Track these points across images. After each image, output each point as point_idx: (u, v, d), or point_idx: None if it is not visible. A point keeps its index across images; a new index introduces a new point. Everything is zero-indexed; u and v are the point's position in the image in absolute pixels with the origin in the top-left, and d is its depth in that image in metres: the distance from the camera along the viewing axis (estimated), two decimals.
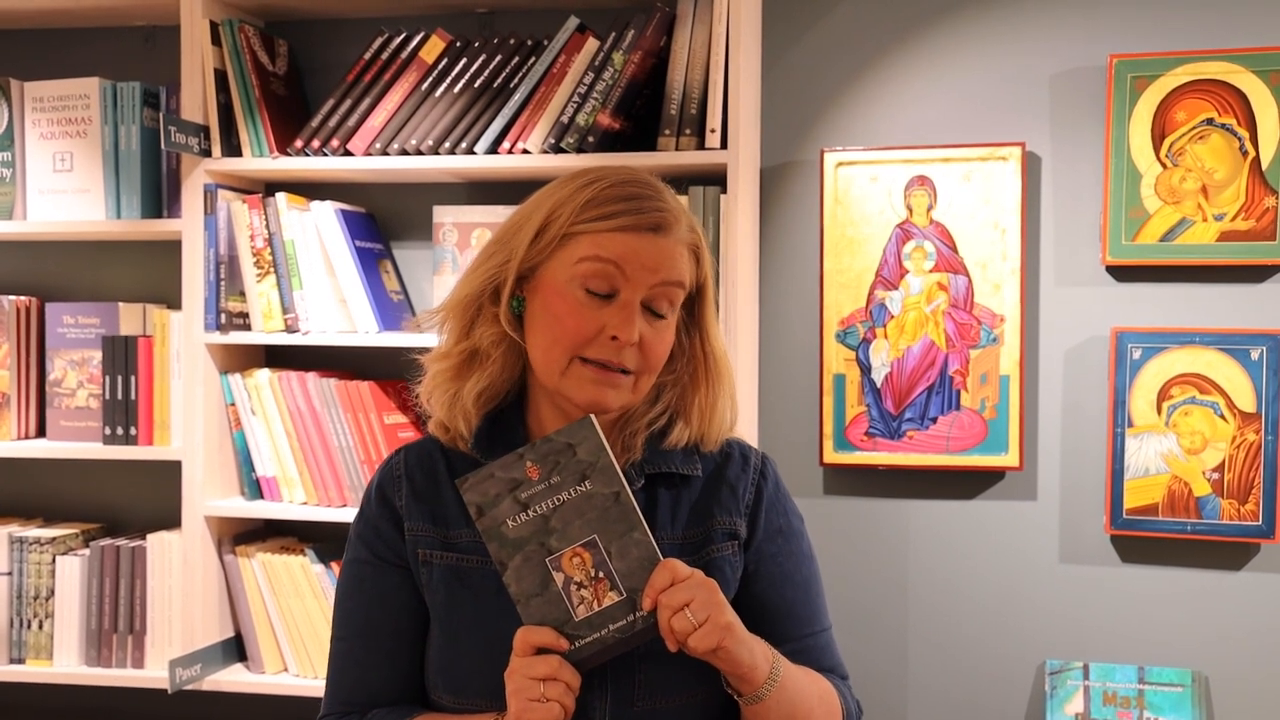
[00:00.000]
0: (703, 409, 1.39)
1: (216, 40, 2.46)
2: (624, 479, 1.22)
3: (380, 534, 1.37)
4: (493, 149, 2.36)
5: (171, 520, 2.58)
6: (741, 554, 1.38)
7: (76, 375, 2.60)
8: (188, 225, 2.47)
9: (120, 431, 2.53)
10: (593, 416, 1.23)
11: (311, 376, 2.47)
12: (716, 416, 1.41)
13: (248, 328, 2.49)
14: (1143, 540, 2.37)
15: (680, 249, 1.33)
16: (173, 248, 2.56)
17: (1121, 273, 2.38)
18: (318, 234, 2.47)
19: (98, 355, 2.57)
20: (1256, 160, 2.29)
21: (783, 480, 1.46)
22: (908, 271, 2.42)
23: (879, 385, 2.44)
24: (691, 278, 1.36)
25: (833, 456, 2.46)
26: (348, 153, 2.43)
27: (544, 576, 1.21)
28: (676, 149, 2.29)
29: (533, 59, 2.40)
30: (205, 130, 2.46)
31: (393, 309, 2.52)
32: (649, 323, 1.31)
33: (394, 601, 1.35)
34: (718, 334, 1.42)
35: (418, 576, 1.35)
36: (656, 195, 1.33)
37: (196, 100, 2.46)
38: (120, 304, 2.60)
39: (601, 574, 1.21)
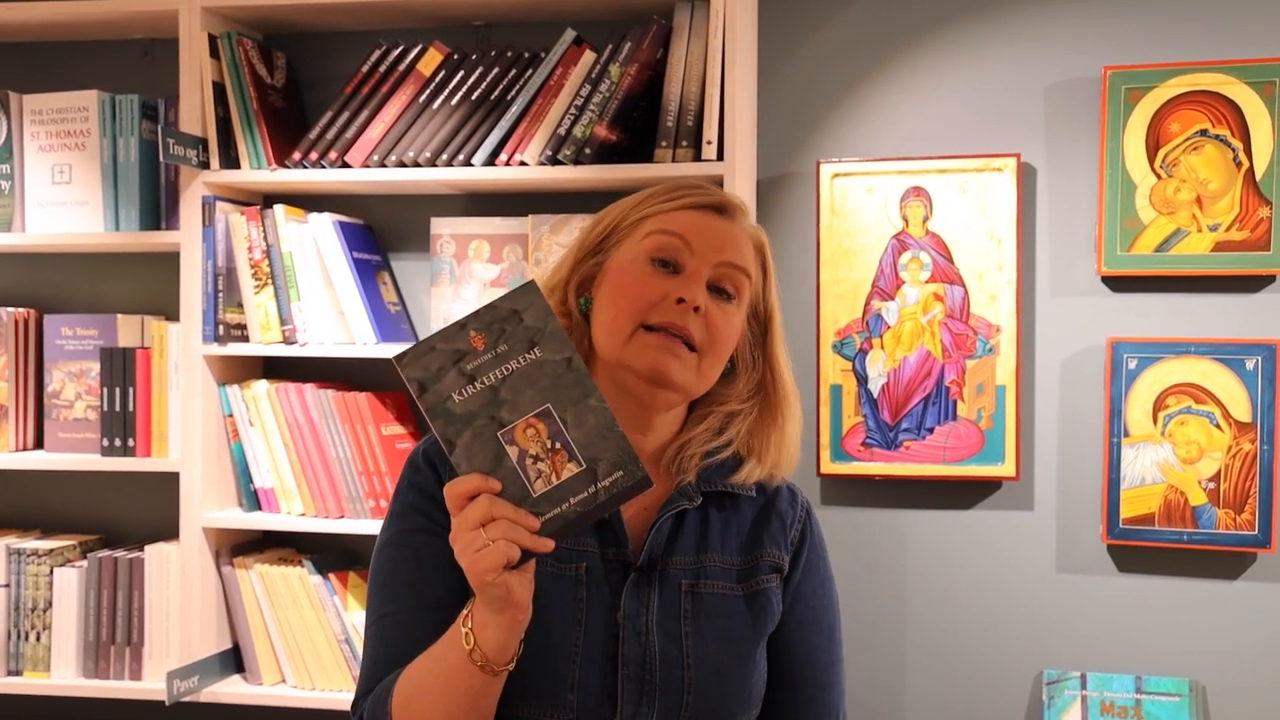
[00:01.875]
0: (778, 446, 1.38)
1: (215, 53, 2.47)
2: (573, 345, 1.16)
3: (438, 502, 1.25)
4: (490, 161, 2.37)
5: (169, 531, 2.58)
6: (783, 589, 1.37)
7: (75, 387, 2.60)
8: (186, 237, 2.48)
9: (118, 443, 2.53)
10: (535, 281, 1.16)
11: (309, 388, 2.47)
12: (789, 453, 1.39)
13: (245, 339, 2.49)
14: (1139, 550, 2.38)
15: (744, 238, 1.34)
16: (171, 259, 2.57)
17: (1117, 283, 2.39)
18: (315, 246, 2.47)
19: (96, 367, 2.57)
20: (1250, 171, 2.30)
21: (819, 521, 1.45)
22: (904, 282, 2.43)
23: (875, 396, 2.44)
24: (757, 277, 1.36)
25: (830, 467, 2.47)
26: (345, 165, 2.44)
27: (497, 452, 1.12)
28: (673, 161, 2.30)
29: (530, 71, 2.41)
30: (203, 143, 2.46)
31: (390, 320, 2.52)
32: (715, 301, 1.31)
33: (451, 573, 1.23)
34: (785, 364, 1.40)
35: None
36: (725, 192, 1.37)
37: (195, 113, 2.46)
38: (118, 315, 2.60)
39: (558, 444, 1.12)
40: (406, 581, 1.29)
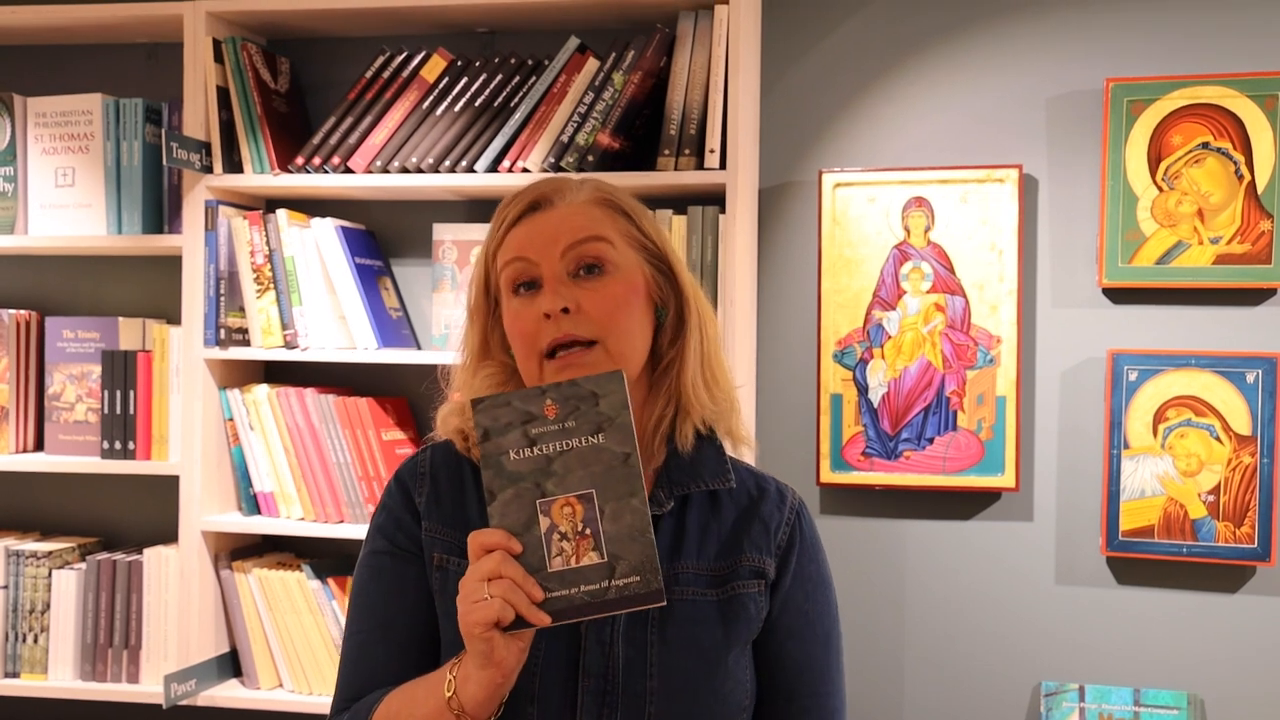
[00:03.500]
0: (695, 377, 1.34)
1: (219, 58, 2.48)
2: (638, 444, 1.17)
3: (401, 526, 1.34)
4: (493, 167, 2.37)
5: (169, 535, 2.58)
6: (768, 595, 1.33)
7: (75, 389, 2.60)
8: (188, 241, 2.48)
9: (118, 446, 2.53)
10: (623, 372, 1.18)
11: (310, 392, 2.47)
12: (718, 391, 1.35)
13: (247, 343, 2.50)
14: (1139, 562, 2.38)
15: (578, 209, 1.32)
16: (173, 263, 2.57)
17: (1118, 295, 2.39)
18: (318, 251, 2.48)
19: (97, 369, 2.58)
20: (1252, 184, 2.30)
21: (815, 526, 1.41)
22: (905, 292, 2.43)
23: (876, 405, 2.44)
24: (618, 226, 1.33)
25: (829, 476, 2.47)
26: (348, 170, 2.44)
27: (530, 517, 1.16)
28: (676, 169, 2.30)
29: (533, 78, 2.41)
30: (207, 147, 2.47)
31: (392, 326, 2.53)
32: (583, 286, 1.29)
33: (413, 593, 1.31)
34: (690, 284, 1.36)
35: (431, 580, 1.31)
36: (538, 183, 1.35)
37: (199, 117, 2.47)
38: (120, 319, 2.61)
39: (588, 530, 1.15)
40: (368, 604, 1.33)
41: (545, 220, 1.31)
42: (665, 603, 1.16)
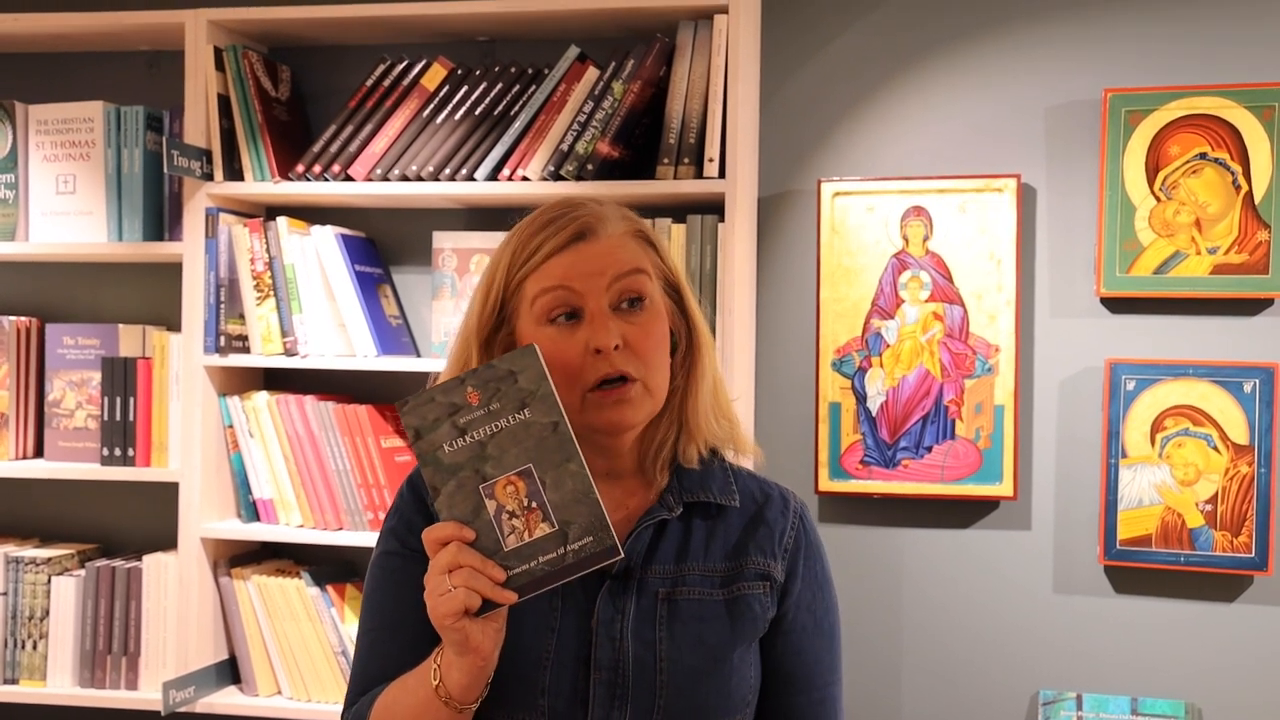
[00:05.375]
0: (698, 405, 1.37)
1: (220, 65, 2.49)
2: (563, 410, 1.19)
3: (413, 528, 1.36)
4: (493, 176, 2.38)
5: (168, 541, 2.59)
6: (774, 596, 1.37)
7: (75, 396, 2.61)
8: (189, 248, 2.48)
9: (118, 452, 2.53)
10: (535, 345, 1.20)
11: (309, 400, 2.48)
12: (720, 419, 1.39)
13: (247, 350, 2.50)
14: (1136, 571, 2.38)
15: (619, 241, 1.32)
16: (173, 270, 2.58)
17: (1116, 304, 2.39)
18: (318, 258, 2.48)
19: (97, 376, 2.58)
20: (1249, 194, 2.31)
21: (816, 528, 1.45)
22: (903, 301, 2.44)
23: (874, 414, 2.45)
24: (652, 262, 1.35)
25: (828, 485, 2.47)
26: (349, 178, 2.45)
27: (476, 504, 1.19)
28: (675, 178, 2.31)
29: (533, 87, 2.42)
30: (208, 154, 2.47)
31: (391, 333, 2.53)
32: (627, 320, 1.30)
33: (421, 593, 1.31)
34: (698, 315, 1.39)
35: None
36: (572, 208, 1.34)
37: (199, 124, 2.48)
38: (120, 325, 2.61)
39: (534, 504, 1.18)
40: (380, 603, 1.37)
41: (590, 251, 1.31)
42: (623, 555, 1.20)
